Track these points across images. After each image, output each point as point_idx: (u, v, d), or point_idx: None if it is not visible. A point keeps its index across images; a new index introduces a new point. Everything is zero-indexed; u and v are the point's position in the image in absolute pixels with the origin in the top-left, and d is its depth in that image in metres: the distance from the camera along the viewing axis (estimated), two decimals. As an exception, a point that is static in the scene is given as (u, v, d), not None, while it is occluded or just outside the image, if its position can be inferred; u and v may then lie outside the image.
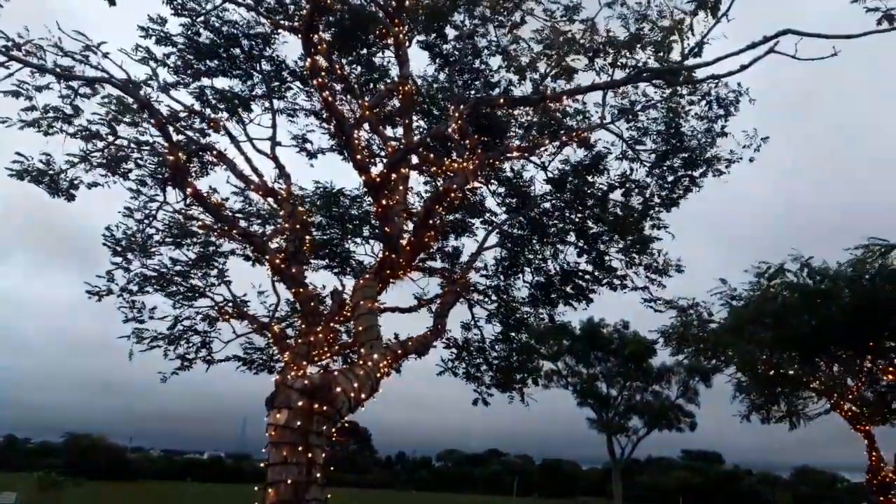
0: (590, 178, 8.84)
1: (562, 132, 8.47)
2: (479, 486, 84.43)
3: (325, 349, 6.99)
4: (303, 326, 7.01)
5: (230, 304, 9.49)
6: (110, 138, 8.40)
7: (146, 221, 9.35)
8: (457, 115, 6.74)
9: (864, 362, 11.23)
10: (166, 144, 7.08)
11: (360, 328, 6.01)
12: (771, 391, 11.80)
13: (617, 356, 35.86)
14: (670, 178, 8.82)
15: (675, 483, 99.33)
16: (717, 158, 8.77)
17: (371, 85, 8.87)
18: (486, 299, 9.46)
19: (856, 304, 9.98)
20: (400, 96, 7.34)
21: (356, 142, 6.25)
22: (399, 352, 6.51)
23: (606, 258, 9.10)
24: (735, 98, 8.86)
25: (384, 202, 6.20)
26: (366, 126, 8.18)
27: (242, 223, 9.78)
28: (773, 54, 7.27)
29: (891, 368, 10.65)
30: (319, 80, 5.97)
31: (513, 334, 9.35)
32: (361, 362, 5.62)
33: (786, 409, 12.18)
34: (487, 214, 9.60)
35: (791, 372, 10.31)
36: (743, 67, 7.18)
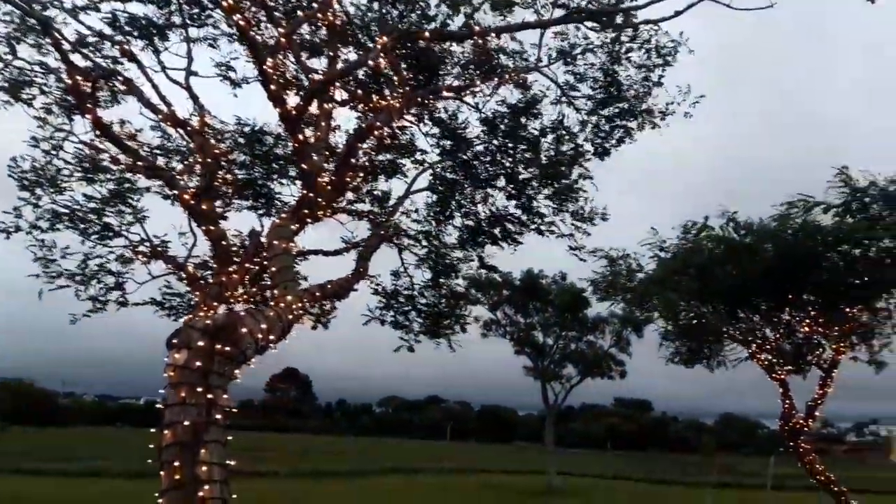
0: (523, 121, 8.63)
1: (496, 72, 8.19)
2: (419, 431, 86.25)
3: (240, 290, 6.71)
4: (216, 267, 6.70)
5: (145, 244, 9.04)
6: (9, 57, 7.73)
7: (53, 153, 8.74)
8: (379, 47, 6.39)
9: (783, 315, 11.57)
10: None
11: (275, 269, 5.74)
12: (694, 340, 12.09)
13: (554, 307, 36.48)
14: (605, 127, 8.71)
15: (607, 429, 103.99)
16: (652, 111, 8.68)
17: (297, 12, 8.34)
18: (417, 244, 9.27)
19: (778, 258, 10.19)
20: (324, 24, 6.92)
21: (272, 72, 5.86)
22: (317, 294, 6.28)
23: (535, 204, 9.00)
24: (674, 48, 8.75)
25: (301, 137, 5.87)
26: (291, 57, 7.74)
27: (161, 159, 9.25)
28: (709, 2, 7.15)
29: (807, 321, 10.99)
30: (230, 2, 5.52)
31: (442, 280, 9.22)
32: (273, 303, 5.38)
33: (708, 356, 12.50)
34: (419, 154, 9.32)
35: (713, 322, 10.55)
36: (677, 13, 7.05)
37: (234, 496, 5.00)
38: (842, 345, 10.96)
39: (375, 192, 9.53)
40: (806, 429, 11.47)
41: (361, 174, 7.83)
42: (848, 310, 10.39)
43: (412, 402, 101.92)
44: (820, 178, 10.33)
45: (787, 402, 11.47)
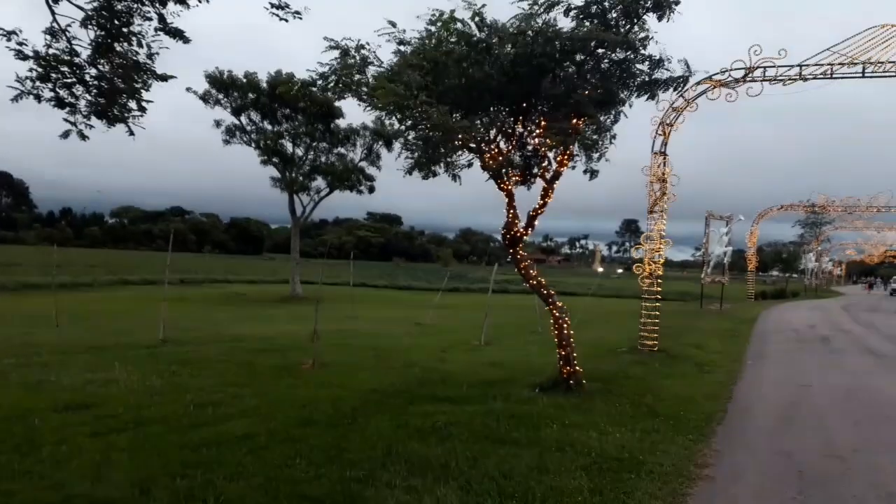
0: None
1: None
2: (160, 243, 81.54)
3: None
4: None
5: None
6: None
7: None
8: None
9: (516, 125, 11.34)
10: None
11: None
12: (430, 147, 11.50)
13: (305, 114, 34.54)
14: None
15: (358, 241, 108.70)
16: None
17: None
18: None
19: (515, 61, 9.63)
20: None
21: None
22: None
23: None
24: None
25: None
26: None
27: None
28: None
29: (537, 131, 10.87)
30: None
31: (117, 44, 7.02)
32: None
33: (445, 167, 12.05)
34: None
35: (444, 123, 9.89)
36: None
37: None
38: (565, 157, 11.15)
39: None
40: (525, 237, 11.83)
41: None
42: (575, 121, 10.40)
43: (152, 213, 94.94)
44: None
45: (512, 211, 11.64)
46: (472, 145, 10.87)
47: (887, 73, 15.06)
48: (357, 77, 9.40)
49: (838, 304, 51.25)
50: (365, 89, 9.59)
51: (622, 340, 18.98)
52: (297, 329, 18.89)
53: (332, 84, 9.39)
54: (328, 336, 17.68)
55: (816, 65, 15.64)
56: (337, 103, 33.57)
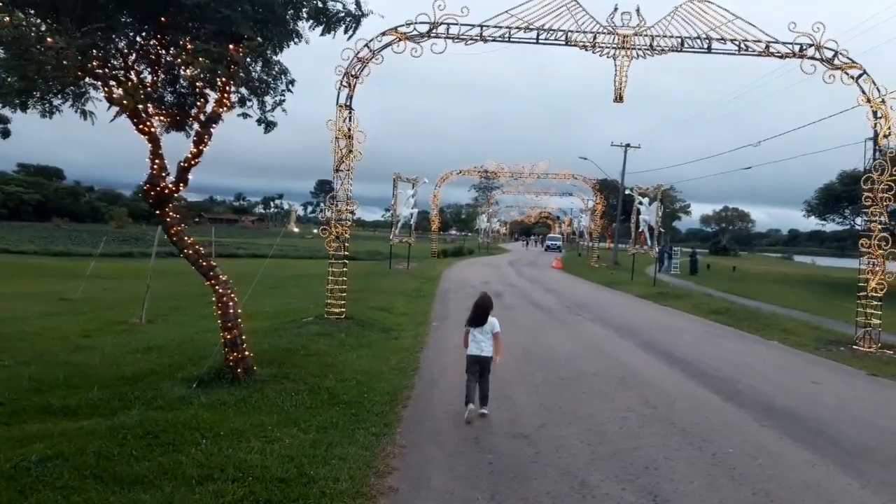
0: None
1: None
2: None
3: None
4: None
5: None
6: None
7: None
8: None
9: (160, 50, 8.78)
10: None
11: None
12: (27, 72, 8.31)
13: None
14: None
15: (7, 198, 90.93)
16: None
17: None
18: None
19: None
20: None
21: None
22: None
23: None
24: None
25: None
26: None
27: None
28: None
29: (184, 56, 8.44)
30: None
31: None
32: None
33: (72, 102, 8.91)
34: None
35: (21, 36, 6.98)
36: None
37: None
38: (225, 94, 8.92)
39: None
40: (175, 195, 9.41)
41: None
42: (232, 46, 8.22)
43: None
44: None
45: (157, 161, 9.11)
46: (98, 70, 8.05)
47: (558, 42, 15.55)
48: None
49: (505, 260, 57.00)
50: None
51: (309, 308, 17.53)
52: None
53: None
54: None
55: (496, 26, 15.55)
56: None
